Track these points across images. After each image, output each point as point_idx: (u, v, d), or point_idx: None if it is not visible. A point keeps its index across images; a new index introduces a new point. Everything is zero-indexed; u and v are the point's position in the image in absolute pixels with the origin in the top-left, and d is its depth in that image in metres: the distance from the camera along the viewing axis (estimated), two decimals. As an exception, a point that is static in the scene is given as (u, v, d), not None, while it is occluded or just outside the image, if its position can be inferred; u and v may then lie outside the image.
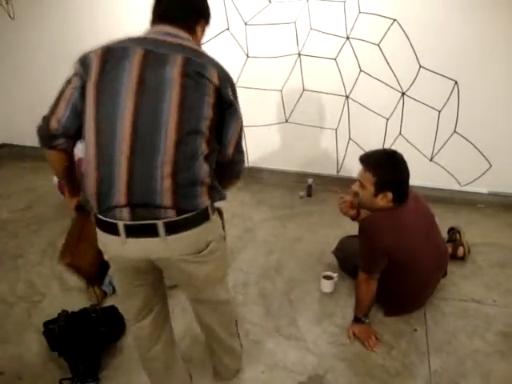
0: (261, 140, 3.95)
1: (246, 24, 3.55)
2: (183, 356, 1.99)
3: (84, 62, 1.41)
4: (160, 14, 1.52)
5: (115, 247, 1.46)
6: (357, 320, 2.32)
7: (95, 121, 1.36)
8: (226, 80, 1.46)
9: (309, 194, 3.84)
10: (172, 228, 1.40)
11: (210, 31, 3.63)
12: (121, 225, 1.39)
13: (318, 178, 3.93)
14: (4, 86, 4.39)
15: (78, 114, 1.42)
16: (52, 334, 2.14)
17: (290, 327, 2.38)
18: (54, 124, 1.43)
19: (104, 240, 1.50)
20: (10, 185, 4.04)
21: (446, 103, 3.40)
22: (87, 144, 1.39)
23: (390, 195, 2.16)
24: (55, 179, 3.34)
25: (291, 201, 3.78)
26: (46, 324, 2.20)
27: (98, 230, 1.50)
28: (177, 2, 1.53)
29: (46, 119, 1.44)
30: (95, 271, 1.82)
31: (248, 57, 3.66)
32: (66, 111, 1.42)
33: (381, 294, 2.31)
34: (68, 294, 2.62)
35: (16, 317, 2.45)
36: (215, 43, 3.66)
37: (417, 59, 3.31)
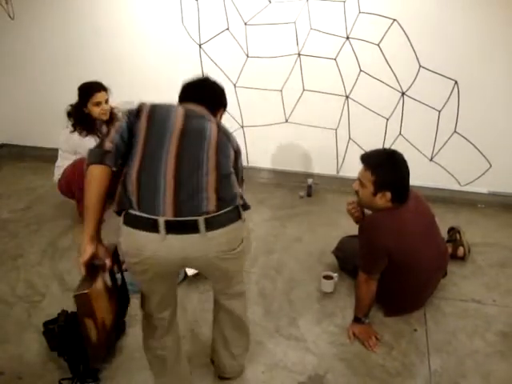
0: (261, 140, 3.95)
1: (245, 24, 3.55)
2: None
3: (133, 109, 1.67)
4: (187, 96, 1.85)
5: (152, 246, 1.50)
6: (357, 320, 2.32)
7: (144, 144, 1.58)
8: (239, 153, 1.81)
9: (309, 194, 3.83)
10: (211, 224, 1.51)
11: (209, 31, 3.66)
12: (161, 221, 1.47)
13: (318, 177, 3.93)
14: (4, 85, 4.38)
15: (124, 141, 1.61)
16: (52, 334, 2.13)
17: (289, 327, 2.38)
18: (107, 144, 1.58)
19: (137, 239, 1.52)
20: (10, 185, 4.03)
21: (446, 103, 3.40)
22: (133, 157, 1.58)
23: (388, 195, 2.16)
24: (55, 178, 3.34)
25: (291, 201, 3.78)
26: (46, 324, 2.20)
27: (128, 230, 1.53)
28: (203, 91, 1.87)
29: (100, 143, 1.61)
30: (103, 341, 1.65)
31: (248, 57, 3.66)
32: (116, 135, 1.59)
33: (381, 294, 2.31)
34: (68, 294, 2.61)
35: (16, 317, 2.45)
36: (215, 43, 3.66)
37: (417, 59, 3.31)
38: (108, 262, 1.60)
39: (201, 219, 1.49)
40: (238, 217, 1.61)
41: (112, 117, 3.21)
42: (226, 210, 1.55)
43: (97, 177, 1.55)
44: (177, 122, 1.62)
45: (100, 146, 1.59)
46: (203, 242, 1.52)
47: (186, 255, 1.53)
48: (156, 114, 1.64)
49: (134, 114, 1.64)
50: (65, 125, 3.19)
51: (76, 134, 3.10)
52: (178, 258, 1.54)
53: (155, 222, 1.47)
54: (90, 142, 3.03)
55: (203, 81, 1.94)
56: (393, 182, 2.16)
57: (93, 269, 1.56)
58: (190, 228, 1.50)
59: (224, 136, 1.70)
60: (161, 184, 1.51)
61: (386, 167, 2.18)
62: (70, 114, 3.16)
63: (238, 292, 1.89)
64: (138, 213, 1.49)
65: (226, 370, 2.04)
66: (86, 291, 1.49)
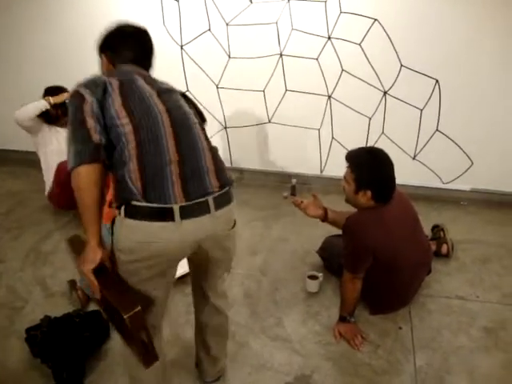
0: (244, 141, 3.95)
1: (227, 24, 3.54)
2: (169, 359, 1.99)
3: (97, 83, 1.50)
4: (130, 59, 1.67)
5: (166, 235, 1.43)
6: (342, 319, 2.32)
7: (133, 127, 1.45)
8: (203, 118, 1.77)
9: (293, 194, 3.83)
10: (218, 202, 1.51)
11: (191, 32, 3.64)
12: (176, 208, 1.41)
13: (302, 178, 3.94)
14: (-17, 89, 4.33)
15: (102, 126, 1.44)
16: (34, 341, 2.11)
17: (275, 328, 2.38)
18: (96, 136, 1.41)
19: (149, 231, 1.42)
20: (-9, 189, 3.98)
21: (427, 102, 3.42)
22: (125, 144, 1.44)
23: (369, 193, 2.18)
24: (46, 193, 3.33)
25: (275, 201, 3.77)
26: (28, 330, 2.17)
27: (135, 223, 1.42)
28: (145, 50, 1.74)
29: (85, 137, 1.41)
30: None
31: (230, 57, 3.65)
32: (97, 124, 1.43)
33: (366, 293, 2.32)
34: (51, 300, 2.58)
35: (-2, 324, 2.42)
36: (197, 44, 3.65)
37: (398, 58, 3.33)
38: (108, 264, 1.50)
39: (210, 199, 1.48)
40: (232, 196, 1.62)
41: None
42: (226, 189, 1.55)
43: (94, 177, 1.40)
44: (157, 102, 1.53)
45: (88, 139, 1.40)
46: (213, 221, 1.50)
47: (198, 237, 1.50)
48: (127, 90, 1.51)
49: (102, 91, 1.48)
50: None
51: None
52: (190, 242, 1.50)
53: (170, 210, 1.41)
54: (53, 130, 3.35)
55: (138, 34, 1.73)
56: (373, 181, 2.18)
57: (97, 274, 1.45)
58: (202, 210, 1.47)
59: (193, 107, 1.68)
60: (167, 170, 1.44)
61: (365, 166, 2.20)
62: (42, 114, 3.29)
63: (224, 291, 1.90)
64: (145, 204, 1.39)
65: (208, 375, 2.03)
66: (138, 308, 1.37)
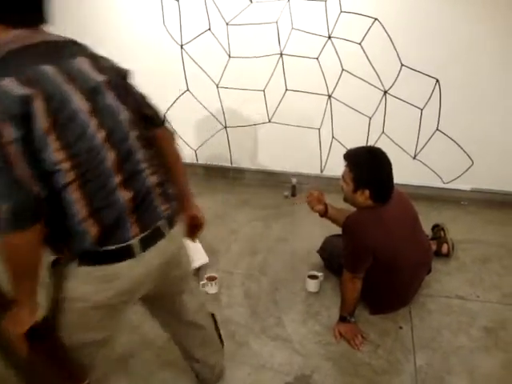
0: (244, 140, 3.94)
1: (227, 24, 3.53)
2: (167, 361, 1.97)
3: (12, 102, 1.06)
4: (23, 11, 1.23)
5: (129, 272, 1.32)
6: (342, 319, 2.32)
7: (71, 159, 1.16)
8: (127, 75, 1.43)
9: (293, 194, 3.83)
10: (170, 222, 1.43)
11: (191, 31, 3.63)
12: (136, 243, 1.31)
13: (302, 177, 3.93)
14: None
15: (34, 170, 1.11)
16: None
17: (275, 328, 2.38)
18: (36, 188, 1.11)
19: (111, 273, 1.30)
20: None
21: (428, 101, 3.42)
22: (69, 190, 1.18)
23: (367, 192, 2.18)
24: None
25: (275, 201, 3.77)
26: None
27: (88, 270, 1.28)
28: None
29: (18, 188, 1.09)
30: None
31: (230, 57, 3.65)
32: (27, 167, 1.09)
33: (366, 293, 2.32)
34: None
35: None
36: (197, 44, 3.64)
37: (398, 58, 3.32)
38: (41, 323, 1.34)
39: (163, 223, 1.39)
40: (179, 212, 1.52)
41: None
42: (173, 204, 1.46)
43: (37, 242, 1.17)
44: (94, 129, 1.21)
45: (23, 192, 1.09)
46: (169, 242, 1.43)
47: (158, 262, 1.41)
48: (54, 111, 1.12)
49: (21, 115, 1.07)
50: None
51: None
52: (153, 270, 1.41)
53: (129, 247, 1.29)
54: None
55: None
56: (371, 180, 2.18)
57: (29, 336, 1.27)
58: (159, 235, 1.38)
59: (118, 80, 1.34)
60: (124, 215, 1.28)
61: (364, 165, 2.20)
62: None
63: (200, 303, 1.81)
64: (103, 249, 1.26)
65: (208, 382, 1.99)
66: (87, 382, 1.28)
